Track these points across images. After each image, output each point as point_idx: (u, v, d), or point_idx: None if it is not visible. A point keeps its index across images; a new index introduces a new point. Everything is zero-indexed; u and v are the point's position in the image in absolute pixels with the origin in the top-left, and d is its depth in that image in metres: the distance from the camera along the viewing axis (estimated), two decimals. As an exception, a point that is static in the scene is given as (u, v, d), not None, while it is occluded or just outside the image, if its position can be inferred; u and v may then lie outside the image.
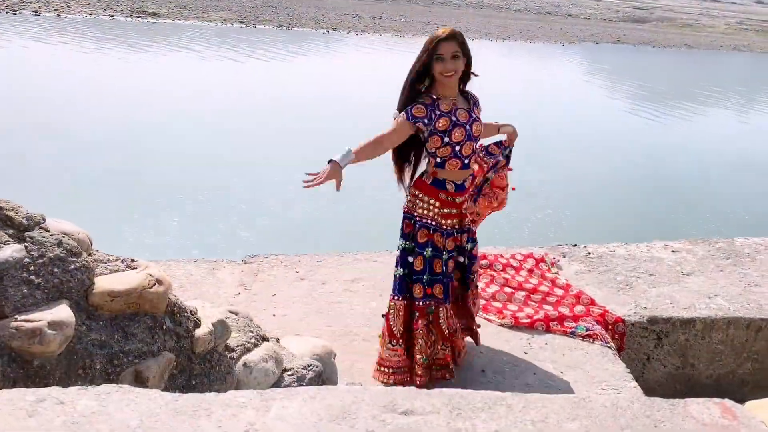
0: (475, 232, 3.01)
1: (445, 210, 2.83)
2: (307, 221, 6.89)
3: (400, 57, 20.17)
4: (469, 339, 3.12)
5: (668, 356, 3.60)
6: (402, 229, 2.88)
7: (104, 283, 1.85)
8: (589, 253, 4.32)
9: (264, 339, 2.31)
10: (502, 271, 3.88)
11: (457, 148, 2.74)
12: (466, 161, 2.79)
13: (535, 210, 7.53)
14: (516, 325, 3.40)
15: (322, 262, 3.96)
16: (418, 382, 2.81)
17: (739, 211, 8.69)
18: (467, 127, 2.74)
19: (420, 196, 2.83)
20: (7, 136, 8.59)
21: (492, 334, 3.32)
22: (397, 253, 2.90)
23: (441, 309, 2.84)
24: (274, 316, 3.34)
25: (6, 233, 1.72)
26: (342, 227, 6.79)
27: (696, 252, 4.43)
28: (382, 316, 2.99)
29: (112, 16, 21.30)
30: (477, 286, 3.17)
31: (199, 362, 2.01)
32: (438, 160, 2.77)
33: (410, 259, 2.84)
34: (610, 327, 3.46)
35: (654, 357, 3.59)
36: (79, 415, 1.32)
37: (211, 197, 7.27)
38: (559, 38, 29.46)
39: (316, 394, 1.49)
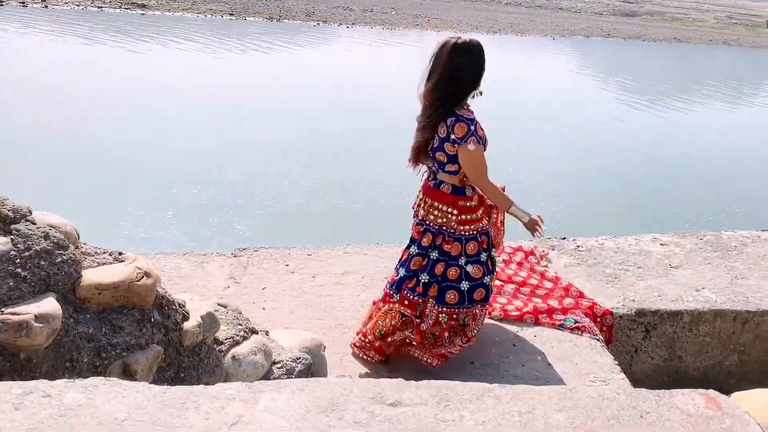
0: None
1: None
2: (298, 215, 6.88)
3: (391, 49, 20.16)
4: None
5: (656, 348, 3.62)
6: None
7: (92, 275, 1.84)
8: (578, 246, 4.34)
9: (253, 332, 2.31)
10: (491, 263, 3.88)
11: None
12: None
13: (525, 204, 7.52)
14: (505, 318, 3.41)
15: (312, 255, 3.95)
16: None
17: (729, 204, 8.76)
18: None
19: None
20: (-5, 129, 8.53)
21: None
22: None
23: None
24: (263, 309, 3.34)
25: (-8, 226, 1.71)
26: (332, 220, 6.79)
27: (684, 245, 4.46)
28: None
29: (101, 7, 21.11)
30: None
31: (188, 355, 2.00)
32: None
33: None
34: (598, 319, 3.48)
35: (642, 349, 3.62)
36: (66, 408, 1.32)
37: (204, 190, 7.24)
38: (549, 32, 29.50)
39: (304, 386, 1.49)
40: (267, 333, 2.46)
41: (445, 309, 2.89)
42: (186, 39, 17.48)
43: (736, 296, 3.72)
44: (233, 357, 2.13)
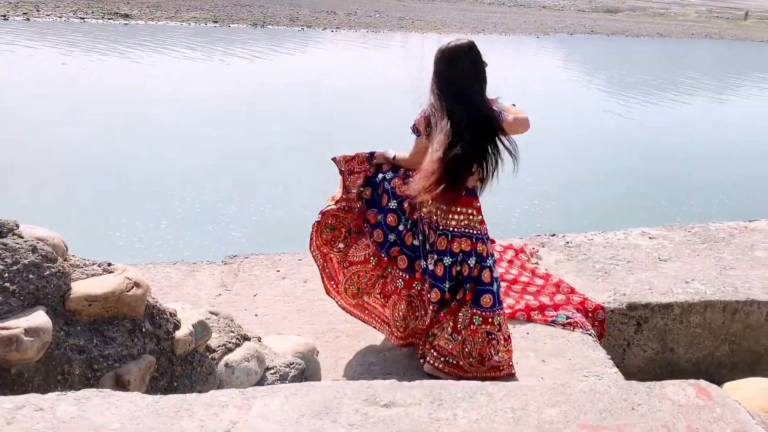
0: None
1: None
2: (288, 220, 6.88)
3: (376, 52, 20.18)
4: None
5: (648, 341, 3.65)
6: None
7: (81, 287, 1.84)
8: (568, 243, 4.36)
9: (245, 338, 2.30)
10: (482, 262, 3.90)
11: None
12: None
13: (513, 201, 7.60)
14: (497, 316, 3.42)
15: (303, 260, 3.95)
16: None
17: (717, 196, 8.83)
18: None
19: None
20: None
21: (474, 325, 3.34)
22: None
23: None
24: (256, 315, 3.33)
25: (-22, 241, 1.70)
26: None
27: (672, 238, 4.49)
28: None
29: (83, 18, 21.01)
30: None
31: (181, 364, 2.00)
32: None
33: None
34: (590, 314, 3.50)
35: (634, 342, 3.64)
36: (59, 421, 1.32)
37: (197, 198, 7.23)
38: (533, 30, 29.64)
39: (297, 390, 1.49)
40: (260, 339, 2.46)
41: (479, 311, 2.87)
42: (172, 48, 17.44)
43: (725, 287, 3.75)
44: (226, 364, 2.13)
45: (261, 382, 2.19)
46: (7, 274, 1.69)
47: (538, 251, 4.18)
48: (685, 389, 1.56)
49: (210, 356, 2.12)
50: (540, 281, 3.73)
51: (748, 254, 4.24)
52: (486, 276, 2.84)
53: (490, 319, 2.86)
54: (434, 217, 2.81)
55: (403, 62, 18.59)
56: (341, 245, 3.08)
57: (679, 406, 1.49)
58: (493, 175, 2.73)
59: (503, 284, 3.68)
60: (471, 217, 2.82)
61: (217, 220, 6.76)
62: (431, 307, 2.86)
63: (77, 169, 7.89)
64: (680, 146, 11.70)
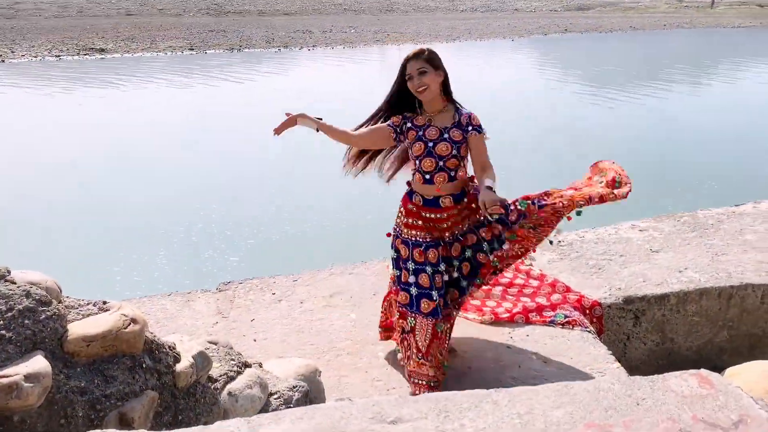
0: (480, 239, 2.94)
1: (409, 220, 2.89)
2: (279, 242, 6.87)
3: (355, 66, 20.27)
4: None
5: (647, 333, 3.66)
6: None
7: (78, 328, 1.83)
8: (559, 241, 4.38)
9: (246, 365, 2.30)
10: (476, 268, 3.90)
11: (419, 162, 2.83)
12: (427, 176, 2.83)
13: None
14: (496, 321, 3.43)
15: (298, 280, 3.95)
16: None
17: (706, 182, 8.90)
18: (429, 143, 2.81)
19: (399, 205, 2.97)
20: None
21: (474, 332, 3.35)
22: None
23: (422, 322, 2.83)
24: (254, 341, 3.32)
25: (-29, 290, 1.69)
26: (314, 244, 6.79)
27: (662, 228, 4.53)
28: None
29: (59, 56, 20.97)
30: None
31: (183, 397, 1.99)
32: (410, 171, 2.93)
33: (396, 271, 2.92)
34: (587, 312, 3.51)
35: (633, 336, 3.65)
36: (66, 466, 1.31)
37: (191, 228, 7.22)
38: (508, 33, 29.89)
39: (303, 414, 1.49)
40: (261, 365, 2.45)
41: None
42: (150, 78, 17.44)
43: (718, 273, 3.78)
44: (229, 393, 2.12)
45: (265, 408, 2.18)
46: (2, 321, 1.68)
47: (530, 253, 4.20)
48: (688, 380, 1.57)
49: (212, 386, 2.11)
50: (535, 282, 3.74)
51: (738, 238, 4.28)
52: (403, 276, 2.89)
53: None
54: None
55: (383, 74, 18.70)
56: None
57: (683, 397, 1.50)
58: None
59: (499, 288, 3.70)
60: (400, 215, 2.93)
61: (213, 245, 6.76)
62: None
63: (65, 209, 7.86)
64: (662, 136, 11.81)
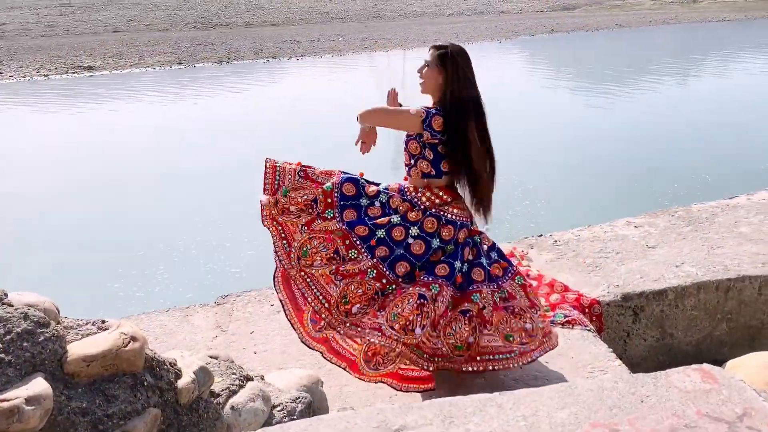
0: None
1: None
2: (264, 256, 6.85)
3: (346, 73, 20.32)
4: None
5: (647, 329, 3.67)
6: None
7: (77, 349, 1.82)
8: (556, 241, 4.39)
9: (248, 379, 2.29)
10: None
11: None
12: (406, 169, 2.93)
13: (503, 204, 7.63)
14: (496, 323, 3.42)
15: (296, 291, 3.93)
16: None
17: (700, 176, 8.95)
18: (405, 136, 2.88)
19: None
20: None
21: (474, 335, 3.34)
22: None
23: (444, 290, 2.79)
24: (255, 353, 3.31)
25: (-32, 315, 1.68)
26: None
27: (657, 224, 4.54)
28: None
29: (47, 75, 20.93)
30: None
31: (186, 413, 1.98)
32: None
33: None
34: (586, 310, 3.52)
35: (633, 333, 3.66)
36: (71, 488, 1.30)
37: (191, 240, 7.20)
38: (495, 36, 29.99)
39: (307, 426, 1.49)
40: (262, 377, 2.44)
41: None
42: (141, 94, 17.42)
43: (715, 266, 3.79)
44: (232, 407, 2.11)
45: (269, 420, 2.17)
46: (1, 345, 1.67)
47: (527, 253, 4.21)
48: (690, 375, 1.57)
49: (215, 401, 2.10)
50: (533, 283, 3.74)
51: (733, 231, 4.29)
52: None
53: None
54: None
55: (372, 79, 18.74)
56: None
57: (687, 393, 1.50)
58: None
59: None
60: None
61: (213, 258, 6.74)
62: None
63: (61, 228, 7.82)
64: (652, 132, 11.86)
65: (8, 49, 25.96)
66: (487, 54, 25.08)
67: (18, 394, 1.59)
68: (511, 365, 2.84)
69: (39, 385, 1.64)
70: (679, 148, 10.75)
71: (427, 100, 2.93)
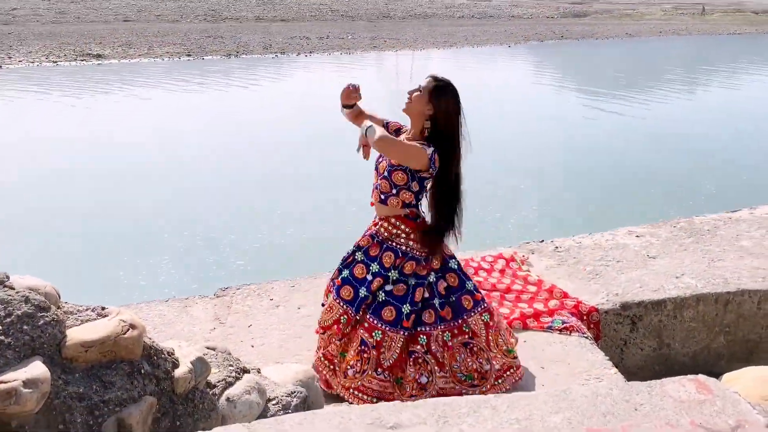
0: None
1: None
2: (278, 248, 6.87)
3: (354, 72, 20.32)
4: None
5: (644, 339, 3.67)
6: None
7: (76, 334, 1.82)
8: (557, 247, 4.39)
9: (245, 371, 2.29)
10: (474, 274, 3.92)
11: (377, 180, 2.90)
12: (382, 197, 2.88)
13: (496, 211, 7.65)
14: (494, 327, 3.43)
15: (296, 286, 3.95)
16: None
17: (702, 188, 8.94)
18: (382, 161, 2.88)
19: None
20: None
21: (471, 338, 3.35)
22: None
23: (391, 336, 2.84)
24: (252, 347, 3.32)
25: (-30, 296, 1.69)
26: (311, 251, 6.79)
27: (659, 234, 4.54)
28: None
29: (56, 62, 20.97)
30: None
31: (182, 402, 1.99)
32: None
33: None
34: (584, 317, 3.52)
35: (631, 341, 3.66)
36: (65, 472, 1.30)
37: (194, 232, 7.22)
38: (504, 40, 29.98)
39: (302, 420, 1.49)
40: (259, 370, 2.45)
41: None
42: (150, 84, 17.43)
43: (715, 279, 3.79)
44: (227, 399, 2.12)
45: (264, 413, 2.17)
46: (1, 327, 1.68)
47: (528, 258, 4.21)
48: (685, 385, 1.57)
49: (211, 392, 2.11)
50: (533, 288, 3.75)
51: (734, 244, 4.29)
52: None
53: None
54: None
55: (380, 78, 18.74)
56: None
57: (681, 403, 1.50)
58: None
59: (496, 294, 3.70)
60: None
61: (218, 250, 6.76)
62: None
63: (67, 215, 7.83)
64: (658, 141, 11.85)
65: (18, 34, 26.00)
66: (496, 58, 25.07)
67: (16, 376, 1.60)
68: None
69: (37, 369, 1.65)
70: (685, 159, 10.74)
71: (404, 119, 2.94)
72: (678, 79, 20.44)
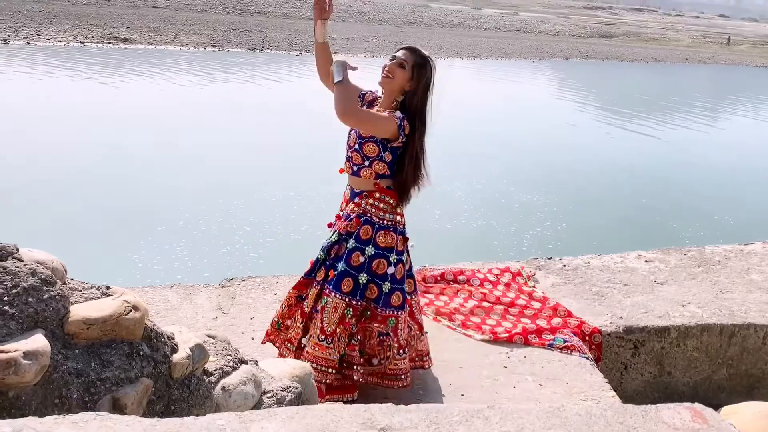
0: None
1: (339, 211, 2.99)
2: (284, 243, 6.90)
3: (376, 77, 20.40)
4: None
5: (645, 365, 3.65)
6: None
7: (80, 310, 1.84)
8: (565, 266, 4.38)
9: (242, 362, 2.30)
10: (479, 286, 3.91)
11: (348, 152, 2.85)
12: (354, 168, 2.85)
13: (510, 225, 7.64)
14: (495, 340, 3.43)
15: (300, 283, 3.95)
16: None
17: (722, 217, 8.88)
18: (352, 133, 2.84)
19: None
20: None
21: (471, 348, 3.35)
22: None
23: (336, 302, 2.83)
24: (252, 339, 3.33)
25: (-22, 264, 1.71)
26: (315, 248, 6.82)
27: (669, 261, 4.51)
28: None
29: (83, 42, 21.18)
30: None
31: (178, 387, 2.00)
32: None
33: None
34: (587, 338, 3.51)
35: (631, 366, 3.64)
36: (57, 445, 1.32)
37: (211, 221, 7.28)
38: (529, 55, 29.94)
39: (294, 414, 1.50)
40: (256, 363, 2.46)
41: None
42: (174, 71, 17.56)
43: (721, 310, 3.76)
44: (223, 388, 2.13)
45: (258, 405, 2.18)
46: (6, 298, 1.70)
47: (534, 274, 4.20)
48: (681, 412, 1.56)
49: (207, 380, 2.12)
50: (537, 304, 3.74)
51: (744, 277, 4.26)
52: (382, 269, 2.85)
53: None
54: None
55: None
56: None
57: (675, 430, 1.49)
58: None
59: (500, 307, 3.70)
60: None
61: (232, 240, 6.82)
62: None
63: (81, 193, 7.91)
64: (676, 168, 11.79)
65: (48, 12, 26.30)
66: (520, 72, 25.03)
67: (17, 347, 1.61)
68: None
69: (38, 341, 1.67)
70: (702, 187, 10.68)
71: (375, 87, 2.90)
72: (702, 107, 20.31)
